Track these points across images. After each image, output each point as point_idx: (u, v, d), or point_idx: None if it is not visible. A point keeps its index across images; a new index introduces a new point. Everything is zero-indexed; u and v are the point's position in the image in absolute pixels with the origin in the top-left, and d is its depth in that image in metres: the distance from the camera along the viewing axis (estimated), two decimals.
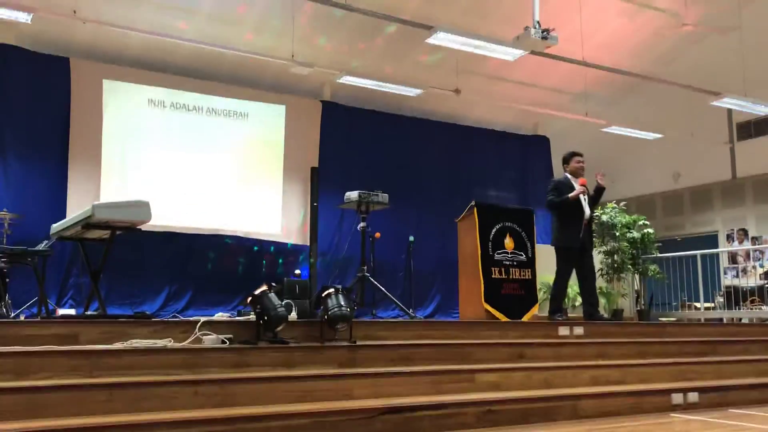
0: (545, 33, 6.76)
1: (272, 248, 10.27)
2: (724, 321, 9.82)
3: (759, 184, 12.80)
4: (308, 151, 10.64)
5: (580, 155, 7.37)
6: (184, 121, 9.74)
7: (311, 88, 10.89)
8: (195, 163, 9.71)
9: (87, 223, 4.95)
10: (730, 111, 12.63)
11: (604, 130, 11.46)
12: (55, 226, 5.67)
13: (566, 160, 7.38)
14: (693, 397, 5.38)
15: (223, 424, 3.70)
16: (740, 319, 9.81)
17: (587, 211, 7.10)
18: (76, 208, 7.91)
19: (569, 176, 7.27)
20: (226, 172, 9.94)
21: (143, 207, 5.04)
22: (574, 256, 7.07)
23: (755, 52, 11.14)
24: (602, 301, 8.68)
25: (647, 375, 5.75)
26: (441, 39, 7.76)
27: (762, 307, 9.72)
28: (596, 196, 7.27)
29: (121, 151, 9.24)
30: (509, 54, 8.10)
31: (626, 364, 5.82)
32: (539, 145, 13.25)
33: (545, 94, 12.04)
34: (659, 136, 11.82)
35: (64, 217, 7.89)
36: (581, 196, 7.06)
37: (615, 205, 9.66)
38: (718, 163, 13.23)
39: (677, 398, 5.32)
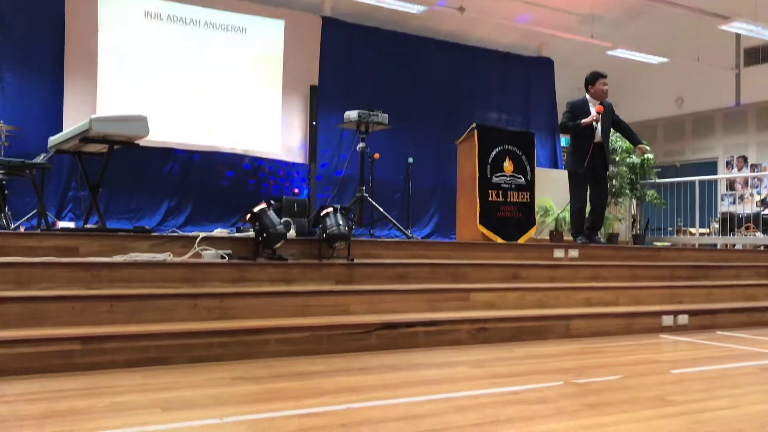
0: None
1: (271, 166, 10.25)
2: (718, 247, 9.92)
3: (762, 111, 12.69)
4: (307, 69, 10.46)
5: (605, 77, 7.08)
6: (181, 34, 9.53)
7: (311, 2, 10.62)
8: (192, 79, 9.57)
9: (85, 137, 4.92)
10: (738, 36, 12.38)
11: (610, 53, 11.26)
12: (53, 140, 5.63)
13: (590, 81, 7.06)
14: (683, 319, 5.50)
15: (222, 336, 3.78)
16: (734, 245, 9.92)
17: (599, 136, 6.95)
18: (72, 122, 7.84)
19: (588, 98, 7.07)
20: (225, 89, 9.80)
21: (141, 121, 5.00)
22: (582, 181, 7.03)
23: None
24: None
25: (639, 297, 5.86)
26: None
27: (756, 234, 9.80)
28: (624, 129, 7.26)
29: (117, 64, 9.09)
30: None
31: (619, 286, 5.92)
32: (543, 67, 13.03)
33: (551, 14, 11.75)
34: (665, 60, 11.62)
35: (61, 130, 7.83)
36: (594, 123, 6.89)
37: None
38: (722, 89, 13.07)
39: (667, 320, 5.44)
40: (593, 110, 6.93)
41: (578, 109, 7.01)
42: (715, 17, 10.17)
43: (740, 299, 6.42)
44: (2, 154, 7.14)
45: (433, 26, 11.59)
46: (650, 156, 9.44)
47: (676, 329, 5.44)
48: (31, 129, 8.08)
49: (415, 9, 9.55)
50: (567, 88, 13.54)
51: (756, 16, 10.17)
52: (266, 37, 10.17)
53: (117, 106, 8.87)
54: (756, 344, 4.96)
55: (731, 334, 5.40)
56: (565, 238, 8.19)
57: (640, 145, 7.37)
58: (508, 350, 4.38)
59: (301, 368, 3.62)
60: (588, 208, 7.17)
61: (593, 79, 7.05)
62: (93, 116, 4.94)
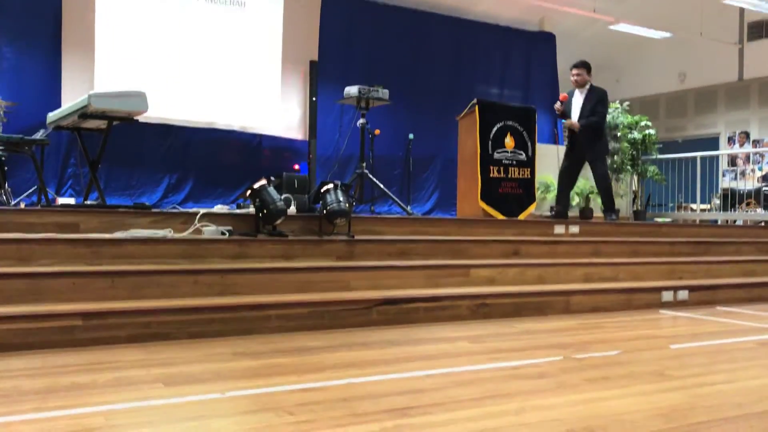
0: None
1: (271, 142, 10.21)
2: (719, 223, 9.92)
3: (765, 87, 12.60)
4: (307, 44, 10.36)
5: (575, 67, 7.50)
6: (180, 9, 9.43)
7: None
8: (191, 54, 9.48)
9: (83, 113, 4.89)
10: (742, 10, 12.25)
11: (612, 27, 11.15)
12: (52, 116, 5.60)
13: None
14: (683, 294, 5.52)
15: (223, 312, 3.80)
16: (735, 221, 9.91)
17: (573, 120, 7.32)
18: (71, 98, 7.79)
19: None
20: (223, 64, 9.72)
21: (140, 97, 4.97)
22: (569, 163, 7.45)
23: None
24: (598, 201, 8.72)
25: (639, 273, 5.87)
26: None
27: (757, 210, 9.80)
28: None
29: (115, 39, 9.00)
30: None
31: (619, 262, 5.92)
32: (545, 42, 12.91)
33: None
34: (667, 34, 11.52)
35: (59, 106, 7.78)
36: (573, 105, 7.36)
37: (618, 105, 9.53)
38: (725, 64, 12.97)
39: (667, 296, 5.45)
40: (577, 97, 7.41)
41: (570, 95, 7.49)
42: None
43: (740, 275, 6.43)
44: (1, 130, 7.10)
45: (434, 1, 11.48)
46: (652, 131, 9.41)
47: (675, 305, 5.45)
48: (29, 104, 8.03)
49: None
50: (569, 63, 13.39)
51: None
52: (265, 12, 10.06)
53: (115, 82, 8.80)
54: (755, 319, 4.98)
55: (731, 310, 5.41)
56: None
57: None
58: (508, 326, 4.40)
59: (302, 344, 3.63)
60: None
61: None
62: (91, 92, 4.91)
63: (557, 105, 7.41)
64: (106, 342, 3.45)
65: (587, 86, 7.38)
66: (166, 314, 3.65)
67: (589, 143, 7.23)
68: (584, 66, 7.44)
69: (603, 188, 7.36)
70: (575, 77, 7.42)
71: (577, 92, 7.41)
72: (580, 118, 7.28)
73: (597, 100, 7.25)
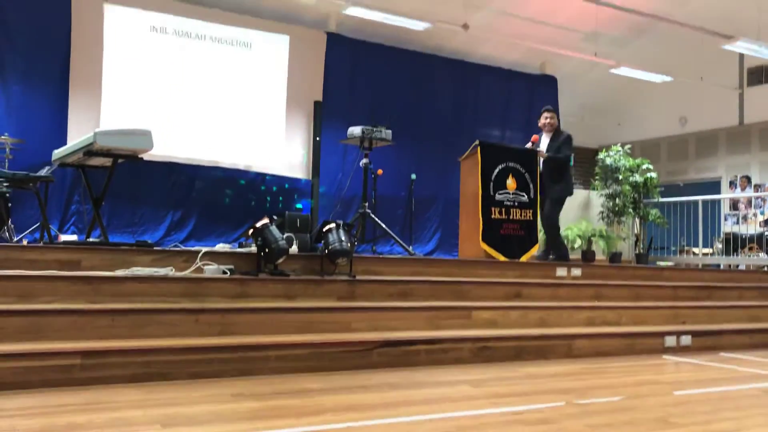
0: None
1: (274, 182, 10.26)
2: (722, 267, 9.89)
3: (766, 131, 12.69)
4: (312, 84, 10.49)
5: (548, 110, 7.61)
6: (187, 49, 9.57)
7: (316, 18, 10.66)
8: (197, 93, 9.59)
9: (89, 150, 4.93)
10: (741, 55, 12.41)
11: (613, 71, 11.29)
12: (57, 153, 5.65)
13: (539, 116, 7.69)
14: (686, 340, 5.47)
15: (223, 352, 3.77)
16: (737, 266, 9.88)
17: (541, 164, 7.36)
18: (76, 135, 7.86)
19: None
20: (229, 104, 9.83)
21: (145, 135, 5.01)
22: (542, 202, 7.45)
23: None
24: (601, 244, 8.74)
25: (642, 317, 5.83)
26: None
27: (760, 254, 9.77)
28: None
29: (122, 78, 9.12)
30: None
31: (622, 306, 5.89)
32: (547, 85, 13.06)
33: (555, 32, 11.79)
34: (668, 78, 11.64)
35: (65, 143, 7.85)
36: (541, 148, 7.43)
37: (619, 148, 9.60)
38: (725, 109, 13.08)
39: (670, 341, 5.41)
40: (544, 139, 7.48)
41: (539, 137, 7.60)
42: (718, 37, 10.21)
43: (744, 320, 6.39)
44: (6, 166, 7.15)
45: (437, 43, 11.64)
46: (653, 175, 9.45)
47: (679, 350, 5.40)
48: (35, 141, 8.09)
49: (419, 26, 9.60)
50: (571, 106, 13.58)
51: (759, 36, 10.20)
52: (271, 53, 10.21)
53: (121, 120, 8.89)
54: (760, 366, 4.93)
55: (735, 356, 5.36)
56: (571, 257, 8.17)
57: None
58: (510, 369, 4.36)
59: (301, 385, 3.60)
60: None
61: (540, 114, 7.65)
62: (97, 130, 4.96)
63: (529, 145, 7.44)
64: (105, 381, 3.42)
65: (554, 129, 7.52)
66: (166, 354, 3.62)
67: (549, 180, 7.34)
68: (555, 110, 7.69)
69: (546, 227, 7.42)
70: (548, 120, 7.53)
71: (544, 135, 7.54)
72: (545, 160, 7.41)
73: (563, 142, 7.39)
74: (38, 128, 8.49)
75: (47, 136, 8.40)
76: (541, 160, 7.35)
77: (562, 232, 8.50)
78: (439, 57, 11.78)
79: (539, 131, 7.61)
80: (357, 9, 8.98)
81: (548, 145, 7.43)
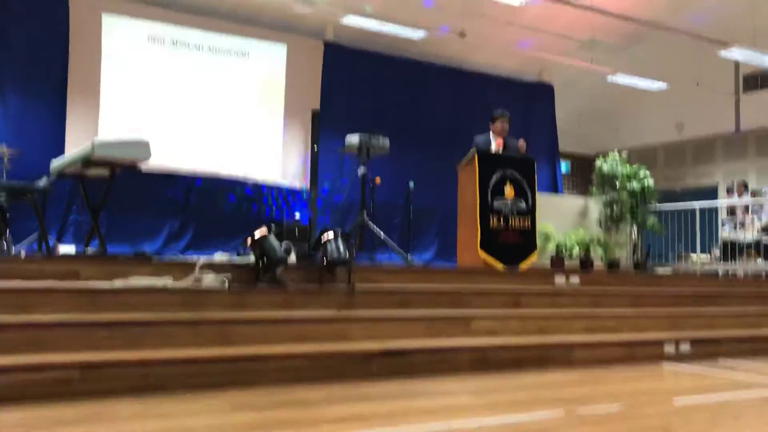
0: None
1: (272, 191, 10.26)
2: (720, 274, 9.89)
3: (762, 138, 12.73)
4: (309, 93, 10.51)
5: (505, 116, 7.63)
6: (184, 58, 9.59)
7: (314, 27, 10.69)
8: (195, 103, 9.61)
9: (87, 161, 4.93)
10: (737, 62, 12.46)
11: (609, 78, 11.32)
12: (55, 163, 5.64)
13: (491, 119, 7.70)
14: (685, 347, 5.46)
15: (222, 363, 3.76)
16: (736, 272, 9.88)
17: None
18: (74, 145, 7.87)
19: (491, 134, 7.62)
20: (227, 113, 9.85)
21: (143, 146, 5.01)
22: None
23: (765, 2, 10.92)
24: (599, 251, 8.73)
25: (641, 325, 5.82)
26: None
27: (758, 261, 9.78)
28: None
29: (119, 87, 9.14)
30: None
31: (621, 314, 5.89)
32: (544, 92, 13.11)
33: (551, 39, 11.84)
34: (664, 85, 11.68)
35: (63, 152, 7.85)
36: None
37: (617, 155, 9.61)
38: (722, 115, 13.13)
39: (669, 348, 5.40)
40: (494, 145, 7.45)
41: (481, 143, 7.49)
42: (714, 43, 10.26)
43: (743, 327, 6.38)
44: (4, 176, 7.14)
45: (434, 51, 11.68)
46: (650, 182, 9.45)
47: (678, 357, 5.39)
48: (33, 151, 8.08)
49: (416, 35, 9.63)
50: (567, 113, 13.63)
51: (754, 43, 10.25)
52: (268, 62, 10.23)
53: (119, 130, 8.90)
54: (760, 374, 4.93)
55: (734, 363, 5.36)
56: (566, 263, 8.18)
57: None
58: (510, 378, 4.35)
59: (301, 396, 3.59)
60: None
61: (493, 118, 7.65)
62: (96, 140, 4.95)
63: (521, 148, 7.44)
64: (103, 394, 3.40)
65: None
66: (165, 365, 3.61)
67: None
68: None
69: None
70: (508, 125, 7.58)
71: (496, 137, 7.53)
72: None
73: (513, 147, 7.43)
74: (36, 138, 8.50)
75: (45, 145, 8.41)
76: None
77: (561, 239, 8.50)
78: (437, 65, 11.82)
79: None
80: (354, 18, 9.01)
81: (503, 149, 7.46)
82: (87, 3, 8.94)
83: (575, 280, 6.47)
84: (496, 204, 6.92)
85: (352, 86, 10.90)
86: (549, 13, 11.03)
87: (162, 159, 8.84)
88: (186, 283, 4.61)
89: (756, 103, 12.69)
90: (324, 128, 10.42)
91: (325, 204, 10.42)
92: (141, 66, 9.28)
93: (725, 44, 10.08)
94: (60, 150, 8.25)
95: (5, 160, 7.34)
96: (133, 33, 9.25)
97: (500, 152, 7.37)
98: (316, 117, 10.46)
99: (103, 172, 5.23)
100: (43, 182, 6.06)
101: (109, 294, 4.15)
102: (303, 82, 10.44)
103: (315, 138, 10.37)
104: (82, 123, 8.83)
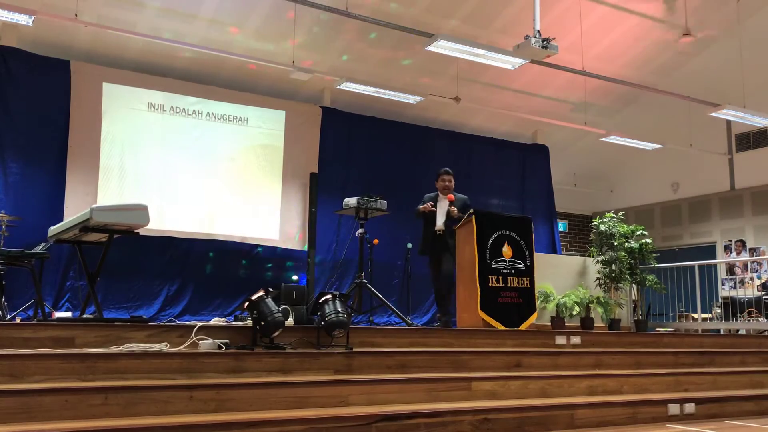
0: (545, 42, 6.78)
1: (270, 253, 10.25)
2: (722, 332, 9.81)
3: (757, 196, 12.81)
4: (308, 157, 10.63)
5: (448, 174, 7.64)
6: (184, 125, 9.73)
7: (311, 94, 10.89)
8: (194, 168, 9.71)
9: (85, 226, 4.95)
10: (729, 122, 12.66)
11: (603, 139, 11.48)
12: (53, 229, 5.66)
13: (435, 178, 7.72)
14: (689, 407, 5.38)
15: (218, 430, 3.68)
16: (737, 331, 9.81)
17: (439, 224, 7.36)
18: (73, 211, 7.89)
19: (438, 192, 7.61)
20: (225, 178, 9.93)
21: (141, 211, 5.04)
22: (431, 263, 7.45)
23: (755, 63, 11.19)
24: (599, 310, 8.68)
25: (644, 385, 5.74)
26: (441, 47, 7.80)
27: (759, 319, 9.72)
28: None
29: (119, 154, 9.24)
30: (509, 63, 8.14)
31: (623, 374, 5.81)
32: (538, 153, 13.26)
33: (545, 103, 12.07)
34: (658, 146, 11.84)
35: (62, 220, 7.88)
36: (437, 209, 7.37)
37: (613, 215, 9.66)
38: (716, 174, 13.25)
39: (674, 409, 5.31)
40: (440, 203, 7.44)
41: (429, 200, 7.55)
42: (705, 104, 10.44)
43: (747, 386, 6.29)
44: (2, 244, 7.15)
45: (430, 115, 11.87)
46: (648, 240, 9.48)
47: (682, 418, 5.30)
48: (32, 218, 8.12)
49: (412, 99, 9.81)
50: (563, 174, 13.76)
51: (744, 104, 10.43)
52: (267, 127, 10.38)
53: (118, 195, 8.96)
54: None
55: (740, 424, 5.26)
56: (567, 324, 8.12)
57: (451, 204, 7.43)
58: None
59: None
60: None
61: (437, 176, 7.66)
62: (93, 206, 4.99)
63: (428, 207, 7.40)
64: None
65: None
66: None
67: (449, 237, 7.31)
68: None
69: (449, 284, 7.29)
70: (451, 183, 7.58)
71: (442, 198, 7.49)
72: (446, 220, 7.35)
73: (463, 203, 7.40)
74: (36, 205, 8.53)
75: (44, 212, 8.44)
76: (443, 219, 7.33)
77: (561, 298, 8.46)
78: (433, 129, 11.99)
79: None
80: (351, 84, 9.19)
81: (448, 207, 7.37)
82: (88, 72, 9.12)
83: (576, 340, 6.41)
84: (495, 264, 6.92)
85: (350, 149, 11.03)
86: (542, 78, 11.27)
87: (160, 223, 8.90)
88: (182, 347, 4.56)
89: (750, 162, 12.83)
90: (322, 190, 10.50)
91: (322, 265, 10.40)
92: (140, 133, 9.41)
93: (716, 105, 10.26)
94: (59, 217, 8.29)
95: (3, 227, 7.36)
96: (133, 101, 9.41)
97: (427, 210, 7.39)
98: (314, 179, 10.55)
99: (100, 237, 5.24)
100: (40, 248, 6.06)
101: (104, 359, 4.10)
102: (301, 146, 10.58)
103: (313, 200, 10.44)
104: (81, 189, 8.88)
